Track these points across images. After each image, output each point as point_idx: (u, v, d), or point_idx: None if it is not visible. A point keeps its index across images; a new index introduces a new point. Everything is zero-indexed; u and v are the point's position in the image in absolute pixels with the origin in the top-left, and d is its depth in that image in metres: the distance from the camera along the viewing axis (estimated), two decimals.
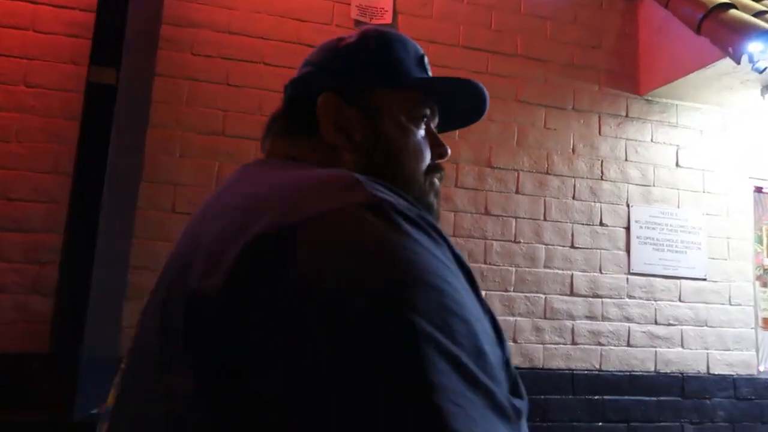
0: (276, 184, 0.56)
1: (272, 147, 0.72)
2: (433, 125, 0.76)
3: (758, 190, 3.01)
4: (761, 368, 2.84)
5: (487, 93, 0.78)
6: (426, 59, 0.77)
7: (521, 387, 0.55)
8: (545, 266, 2.61)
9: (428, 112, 0.74)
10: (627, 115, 2.85)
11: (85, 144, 1.63)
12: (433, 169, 0.73)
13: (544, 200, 2.65)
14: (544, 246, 2.62)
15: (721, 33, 2.39)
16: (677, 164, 2.87)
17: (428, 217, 0.52)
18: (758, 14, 2.42)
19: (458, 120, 0.83)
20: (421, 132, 0.73)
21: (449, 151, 0.76)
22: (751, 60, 2.34)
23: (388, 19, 2.58)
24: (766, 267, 2.96)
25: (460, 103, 0.79)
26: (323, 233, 0.47)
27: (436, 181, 0.74)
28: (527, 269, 2.58)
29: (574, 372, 2.54)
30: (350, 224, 0.48)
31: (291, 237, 0.47)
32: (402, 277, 0.44)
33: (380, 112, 0.70)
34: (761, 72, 2.34)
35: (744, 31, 2.30)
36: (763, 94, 2.69)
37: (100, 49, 1.66)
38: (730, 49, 2.33)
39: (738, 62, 2.31)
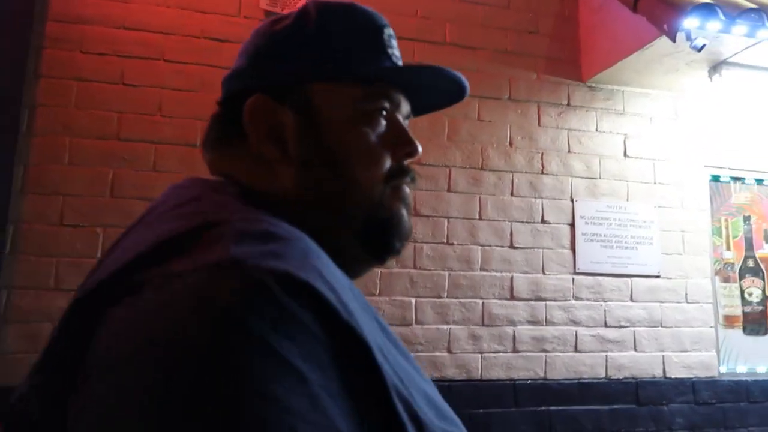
0: (148, 231, 0.49)
1: (210, 161, 0.62)
2: (400, 117, 0.62)
3: (715, 179, 2.83)
4: (723, 369, 2.64)
5: (460, 75, 0.64)
6: (387, 32, 0.62)
7: None
8: (482, 269, 2.41)
9: (386, 104, 0.60)
10: (569, 104, 2.66)
11: None
12: (399, 172, 0.60)
13: (479, 198, 2.46)
14: (480, 247, 2.42)
15: (657, 10, 2.20)
16: (625, 154, 2.69)
17: (300, 279, 0.39)
18: None
19: (436, 103, 0.68)
20: (379, 130, 0.59)
21: (420, 149, 0.62)
22: (688, 37, 2.15)
23: None
24: (726, 261, 2.77)
25: (431, 88, 0.65)
26: (125, 322, 0.40)
27: (404, 187, 0.61)
28: (462, 273, 2.38)
29: (516, 382, 2.34)
30: (166, 314, 0.38)
31: (92, 324, 0.42)
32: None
33: (321, 112, 0.57)
34: (699, 50, 2.15)
35: (679, 6, 2.11)
36: (710, 75, 2.51)
37: None
38: (665, 26, 2.14)
39: (674, 40, 2.13)
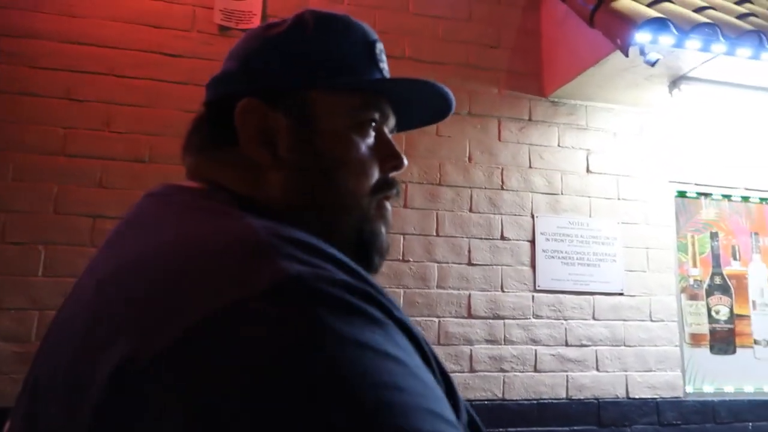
0: (157, 253, 0.45)
1: (192, 165, 0.60)
2: (387, 129, 0.64)
3: (681, 194, 2.79)
4: (689, 389, 2.59)
5: (448, 91, 0.65)
6: (378, 46, 0.64)
7: None
8: (438, 286, 2.37)
9: (377, 115, 0.61)
10: (530, 119, 2.63)
11: None
12: (384, 185, 0.61)
13: (437, 214, 2.42)
14: (436, 264, 2.38)
15: (612, 24, 2.18)
16: (588, 170, 2.65)
17: (357, 285, 0.41)
18: (652, 3, 2.22)
19: (420, 119, 0.70)
20: (369, 141, 0.60)
21: (405, 162, 0.63)
22: (642, 52, 2.13)
23: (256, 23, 2.37)
24: (693, 278, 2.73)
25: (418, 103, 0.66)
26: (200, 359, 0.36)
27: (386, 204, 0.62)
28: (417, 290, 2.34)
29: (473, 403, 2.28)
30: (240, 338, 0.36)
31: (159, 365, 0.37)
32: (328, 413, 0.34)
33: (314, 119, 0.58)
34: (653, 65, 2.12)
35: (632, 20, 2.09)
36: (670, 90, 2.48)
37: None
38: (618, 41, 2.12)
39: (626, 54, 2.10)
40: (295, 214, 0.55)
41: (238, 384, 0.35)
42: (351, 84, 0.59)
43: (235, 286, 0.38)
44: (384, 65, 0.64)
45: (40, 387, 0.47)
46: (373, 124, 0.61)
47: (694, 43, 2.12)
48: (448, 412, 0.40)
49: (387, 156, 0.61)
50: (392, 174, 0.62)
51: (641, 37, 2.07)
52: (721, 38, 2.14)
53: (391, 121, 0.64)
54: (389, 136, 0.63)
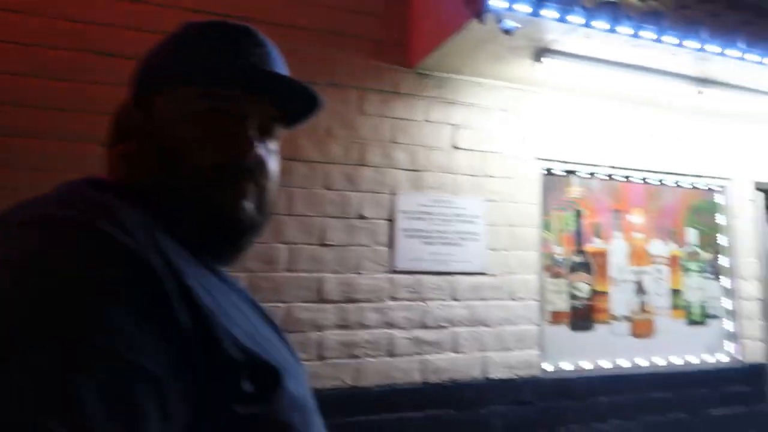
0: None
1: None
2: (249, 119, 0.64)
3: (549, 172, 2.75)
4: (548, 367, 2.59)
5: (292, 79, 0.66)
6: (247, 41, 0.66)
7: (284, 383, 0.54)
8: (287, 269, 2.19)
9: (213, 103, 0.63)
10: (395, 91, 2.47)
11: None
12: (234, 170, 0.62)
13: (287, 191, 2.23)
14: (286, 245, 2.20)
15: None
16: (454, 146, 2.54)
17: (94, 225, 0.49)
18: None
19: (295, 111, 0.70)
20: (211, 127, 0.62)
21: (258, 151, 0.63)
22: (498, 19, 2.01)
23: None
24: (556, 255, 2.71)
25: (289, 97, 0.68)
26: None
27: (241, 184, 0.63)
28: (263, 274, 2.15)
29: (322, 392, 2.15)
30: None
31: None
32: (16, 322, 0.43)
33: (158, 113, 0.64)
34: (509, 32, 2.01)
35: None
36: (533, 63, 2.39)
37: None
38: (474, 7, 1.98)
39: (481, 21, 1.98)
40: (144, 195, 0.60)
41: None
42: (183, 77, 0.63)
43: (13, 222, 0.51)
44: (253, 58, 0.65)
45: None
46: (221, 113, 0.63)
47: (550, 12, 2.03)
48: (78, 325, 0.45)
49: (231, 142, 0.63)
50: (246, 161, 0.62)
51: (496, 2, 1.95)
52: (578, 9, 2.05)
53: (255, 110, 0.65)
54: (244, 124, 0.64)
